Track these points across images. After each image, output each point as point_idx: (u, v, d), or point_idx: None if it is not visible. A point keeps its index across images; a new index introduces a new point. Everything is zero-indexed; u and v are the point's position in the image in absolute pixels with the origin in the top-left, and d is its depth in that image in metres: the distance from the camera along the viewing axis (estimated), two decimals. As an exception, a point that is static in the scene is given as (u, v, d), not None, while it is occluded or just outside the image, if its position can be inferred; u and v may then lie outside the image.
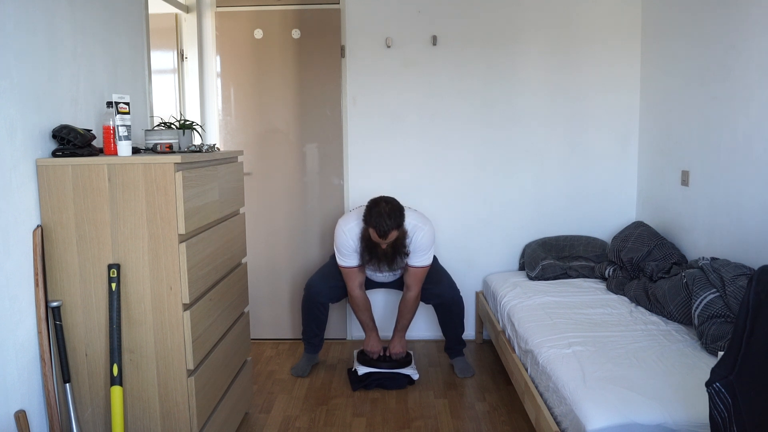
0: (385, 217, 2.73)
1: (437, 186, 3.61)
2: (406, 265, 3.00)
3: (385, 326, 3.66)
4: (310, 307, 3.15)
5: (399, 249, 2.87)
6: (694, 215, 2.94)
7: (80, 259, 1.86)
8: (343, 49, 3.53)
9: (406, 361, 3.09)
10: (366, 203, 2.89)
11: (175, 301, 1.88)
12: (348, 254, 2.97)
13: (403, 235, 2.86)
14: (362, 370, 3.01)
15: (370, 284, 3.20)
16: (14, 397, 1.74)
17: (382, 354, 3.10)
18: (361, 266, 3.02)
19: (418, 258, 2.97)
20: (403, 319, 3.10)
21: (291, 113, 3.60)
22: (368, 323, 3.11)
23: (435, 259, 3.27)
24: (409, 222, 2.92)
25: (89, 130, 1.98)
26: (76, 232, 1.85)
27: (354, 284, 3.04)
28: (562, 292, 3.01)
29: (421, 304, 3.29)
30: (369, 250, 2.88)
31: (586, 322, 2.56)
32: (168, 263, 1.86)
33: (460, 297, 3.17)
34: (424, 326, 3.67)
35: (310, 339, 3.22)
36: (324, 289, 3.12)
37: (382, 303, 3.65)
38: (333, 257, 3.25)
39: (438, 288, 3.10)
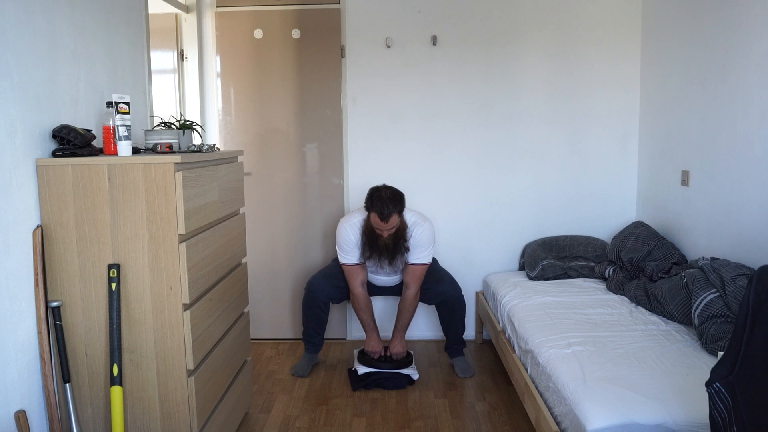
0: (386, 201, 2.84)
1: (437, 186, 3.61)
2: (406, 263, 3.02)
3: (385, 327, 3.67)
4: (311, 306, 3.15)
5: (399, 242, 2.92)
6: (694, 215, 2.94)
7: (80, 259, 1.86)
8: (343, 49, 3.53)
9: (406, 362, 3.08)
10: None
11: (175, 301, 1.88)
12: (349, 250, 3.00)
13: (403, 226, 2.94)
14: (362, 369, 3.01)
15: (372, 290, 3.20)
16: (14, 397, 1.74)
17: (382, 354, 3.10)
18: (363, 264, 3.04)
19: (418, 255, 3.00)
20: (403, 319, 3.11)
21: (291, 113, 3.60)
22: (369, 323, 3.11)
23: (435, 261, 3.27)
24: (409, 219, 2.99)
25: (89, 130, 1.98)
26: (76, 232, 1.85)
27: (356, 282, 3.06)
28: (562, 292, 3.01)
29: (422, 303, 3.29)
30: (370, 243, 2.93)
31: (586, 322, 2.56)
32: (168, 263, 1.86)
33: (462, 295, 3.18)
34: (424, 326, 3.67)
35: (311, 339, 3.22)
36: (326, 288, 3.13)
37: (381, 307, 3.65)
38: (335, 260, 3.25)
39: (440, 286, 3.11)
